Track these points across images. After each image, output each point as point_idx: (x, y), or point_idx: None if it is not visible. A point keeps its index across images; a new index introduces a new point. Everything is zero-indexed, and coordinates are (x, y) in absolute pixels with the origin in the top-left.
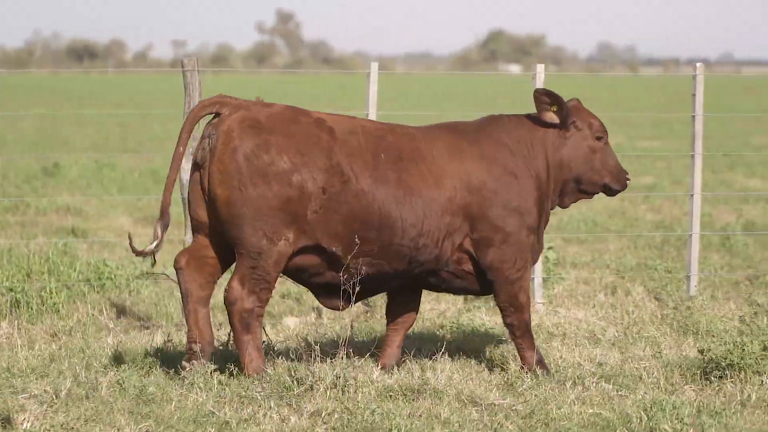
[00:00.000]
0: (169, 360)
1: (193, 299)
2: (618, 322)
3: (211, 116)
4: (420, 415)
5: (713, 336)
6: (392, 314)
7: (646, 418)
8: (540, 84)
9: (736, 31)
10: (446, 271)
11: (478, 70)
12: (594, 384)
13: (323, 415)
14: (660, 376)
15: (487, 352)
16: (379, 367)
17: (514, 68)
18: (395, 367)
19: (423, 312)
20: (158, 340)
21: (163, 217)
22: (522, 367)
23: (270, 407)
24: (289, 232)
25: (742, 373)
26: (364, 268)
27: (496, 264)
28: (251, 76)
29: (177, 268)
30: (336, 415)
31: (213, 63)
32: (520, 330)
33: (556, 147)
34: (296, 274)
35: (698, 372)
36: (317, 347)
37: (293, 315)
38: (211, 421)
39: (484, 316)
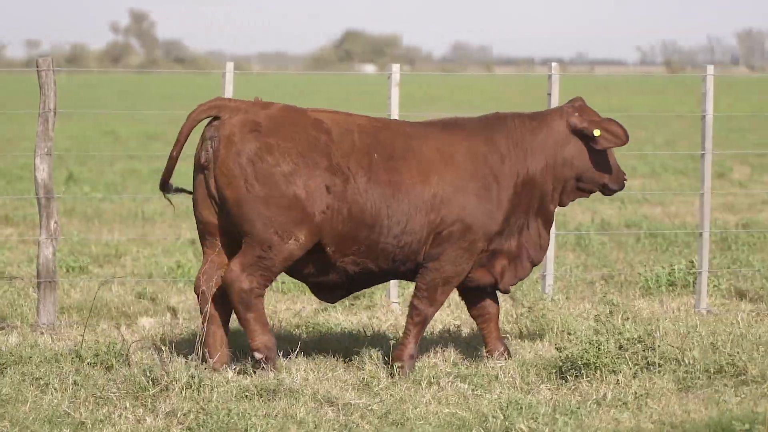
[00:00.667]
0: (23, 361)
1: (215, 323)
2: (471, 321)
3: (210, 118)
4: (276, 416)
5: (569, 335)
6: (475, 311)
7: (502, 418)
8: (395, 84)
9: (589, 31)
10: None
11: (333, 70)
12: (450, 384)
13: (179, 415)
14: (516, 376)
15: (343, 352)
16: (499, 354)
17: (369, 68)
18: (508, 355)
19: (279, 312)
20: (12, 341)
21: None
22: (392, 357)
23: (125, 408)
24: (300, 233)
25: (598, 372)
26: (350, 267)
27: (442, 257)
28: (106, 76)
29: (197, 293)
30: (192, 416)
31: (68, 63)
32: (418, 317)
33: (561, 146)
34: (289, 271)
35: (554, 371)
36: (172, 347)
37: (148, 315)
38: (67, 422)
39: (340, 315)
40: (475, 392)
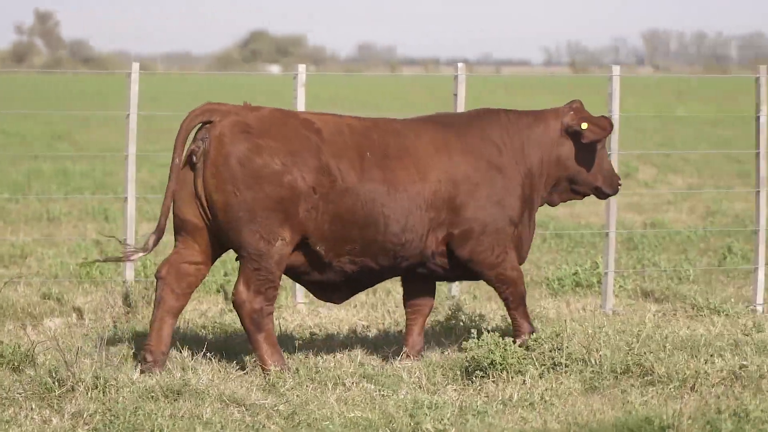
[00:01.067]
0: None
1: (165, 308)
2: (379, 322)
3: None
4: (182, 416)
5: (475, 336)
6: (408, 303)
7: (409, 418)
8: (301, 84)
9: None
10: (433, 263)
11: (238, 70)
12: (355, 384)
13: (85, 416)
14: (422, 376)
15: (249, 353)
16: (404, 355)
17: (275, 68)
18: (421, 355)
19: (185, 312)
20: None
21: (159, 227)
22: (514, 340)
23: (31, 409)
24: (285, 232)
25: (504, 372)
26: (348, 266)
27: (474, 255)
28: (10, 76)
29: (157, 277)
30: (98, 416)
31: None
32: (514, 303)
33: (555, 144)
34: (288, 272)
35: (460, 372)
36: (78, 348)
37: (54, 316)
38: None
39: None
40: (382, 393)
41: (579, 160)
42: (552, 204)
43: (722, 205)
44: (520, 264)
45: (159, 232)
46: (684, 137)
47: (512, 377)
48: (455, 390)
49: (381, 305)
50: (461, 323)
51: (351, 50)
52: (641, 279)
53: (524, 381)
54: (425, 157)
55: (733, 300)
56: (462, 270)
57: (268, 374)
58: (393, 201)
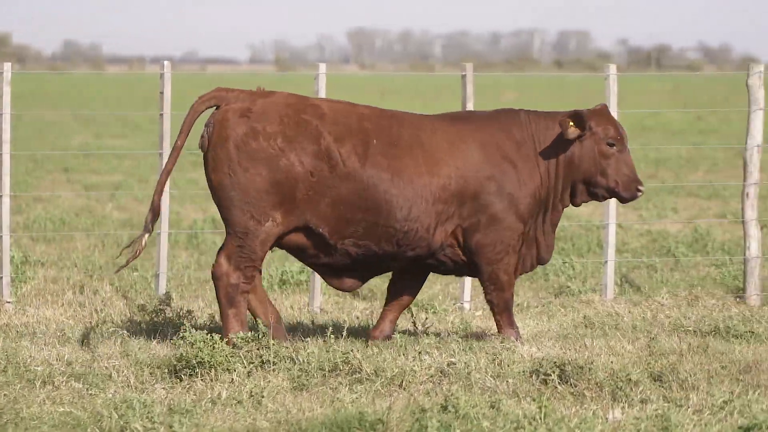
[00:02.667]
0: None
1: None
2: (87, 321)
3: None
4: None
5: (183, 334)
6: (392, 293)
7: (117, 417)
8: (7, 82)
9: (199, 29)
10: (443, 254)
11: None
12: (64, 383)
13: None
14: (130, 375)
15: None
16: (371, 338)
17: None
18: (386, 341)
19: None
20: None
21: (153, 206)
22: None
23: None
24: (277, 213)
25: (213, 371)
26: (352, 248)
27: (478, 247)
28: None
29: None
30: None
31: None
32: (498, 307)
33: (569, 146)
34: (298, 256)
35: (169, 370)
36: None
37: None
38: None
39: None
40: (90, 391)
41: (591, 163)
42: (575, 205)
43: None
44: (542, 264)
45: (154, 211)
46: None
47: (220, 375)
48: (164, 388)
49: (89, 303)
50: (168, 320)
51: (56, 48)
52: None
53: (232, 379)
54: (438, 150)
55: (441, 297)
56: (470, 265)
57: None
58: (396, 189)
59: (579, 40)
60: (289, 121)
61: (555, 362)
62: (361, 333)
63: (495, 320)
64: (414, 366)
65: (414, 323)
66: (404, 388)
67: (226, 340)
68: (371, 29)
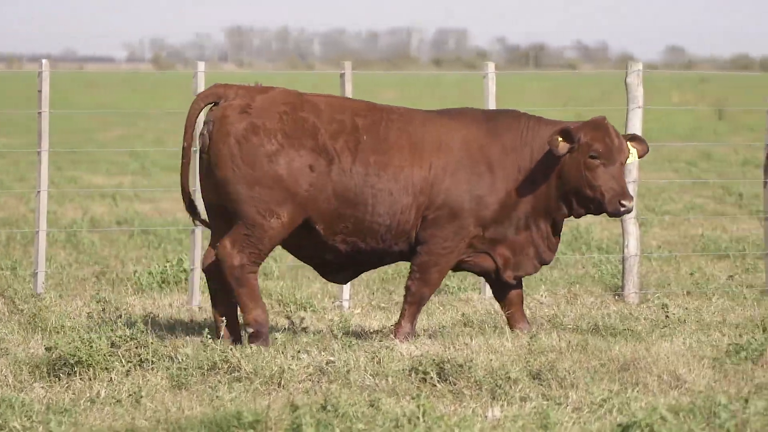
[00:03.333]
0: None
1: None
2: None
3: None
4: None
5: (61, 333)
6: (500, 296)
7: None
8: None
9: (77, 27)
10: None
11: None
12: None
13: None
14: (8, 374)
15: None
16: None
17: None
18: (528, 331)
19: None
20: None
21: (187, 204)
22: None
23: None
24: (282, 212)
25: (91, 369)
26: (341, 245)
27: (430, 237)
28: None
29: (205, 271)
30: None
31: None
32: (413, 297)
33: (560, 158)
34: (293, 251)
35: (47, 369)
36: None
37: None
38: None
39: None
40: None
41: (575, 175)
42: (576, 216)
43: None
44: (529, 274)
45: (191, 208)
46: None
47: (99, 374)
48: (42, 387)
49: None
50: (47, 321)
51: None
52: None
53: (111, 378)
54: (425, 145)
55: (319, 296)
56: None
57: (249, 327)
58: (381, 184)
59: (457, 39)
60: (287, 118)
61: (434, 360)
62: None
63: (402, 307)
64: (292, 365)
65: (291, 320)
66: (283, 387)
67: (246, 323)
68: (249, 27)
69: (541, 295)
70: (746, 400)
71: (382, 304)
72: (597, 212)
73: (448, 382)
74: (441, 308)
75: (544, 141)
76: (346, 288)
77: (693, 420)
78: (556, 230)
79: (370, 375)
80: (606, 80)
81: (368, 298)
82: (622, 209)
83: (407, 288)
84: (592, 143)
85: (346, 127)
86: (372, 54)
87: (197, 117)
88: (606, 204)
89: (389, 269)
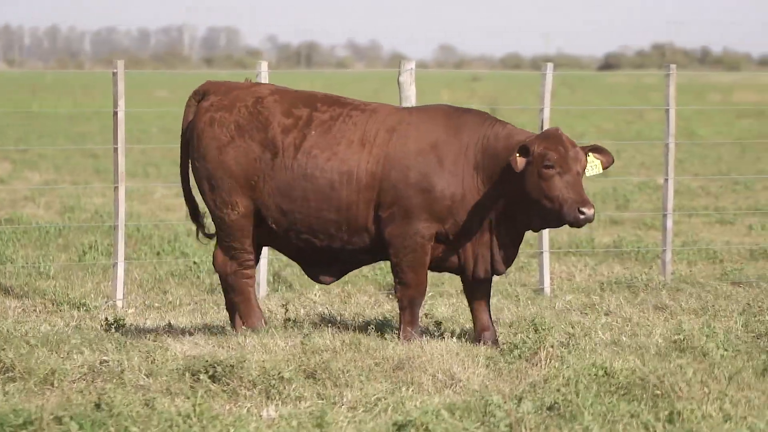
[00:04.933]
0: None
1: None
2: None
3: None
4: None
5: None
6: (467, 294)
7: None
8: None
9: None
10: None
11: None
12: None
13: None
14: None
15: None
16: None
17: None
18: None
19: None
20: None
21: (190, 208)
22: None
23: None
24: (237, 201)
25: None
26: (295, 241)
27: (394, 240)
28: None
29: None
30: None
31: None
32: (401, 303)
33: (518, 171)
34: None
35: None
36: None
37: None
38: None
39: None
40: None
41: (532, 187)
42: (533, 229)
43: (81, 201)
44: (497, 275)
45: (192, 208)
46: (41, 133)
47: None
48: None
49: None
50: None
51: None
52: (0, 275)
53: None
54: (377, 141)
55: (93, 295)
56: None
57: (244, 331)
58: (326, 180)
59: (228, 37)
60: (245, 111)
61: (208, 360)
62: (13, 332)
63: (399, 315)
64: (66, 364)
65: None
66: (57, 387)
67: (246, 326)
68: (19, 26)
69: (315, 294)
70: (520, 399)
71: (156, 304)
72: (558, 224)
73: (222, 381)
74: (215, 308)
75: (504, 151)
76: (120, 287)
77: (468, 419)
78: (515, 241)
79: (145, 375)
80: (378, 79)
81: (142, 297)
82: (582, 217)
83: (398, 299)
84: (546, 153)
85: (297, 122)
86: (144, 52)
87: (191, 113)
88: (565, 213)
89: (161, 270)
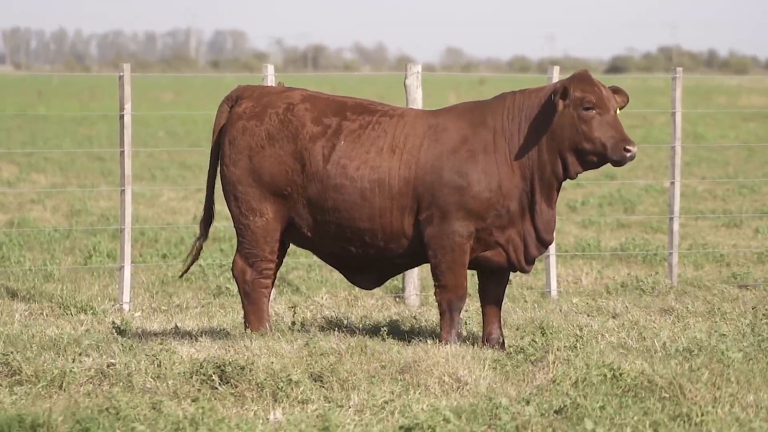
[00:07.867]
0: None
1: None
2: None
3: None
4: None
5: None
6: (481, 295)
7: None
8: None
9: None
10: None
11: None
12: None
13: None
14: None
15: None
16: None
17: None
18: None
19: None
20: None
21: (205, 214)
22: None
23: None
24: (266, 209)
25: None
26: (332, 248)
27: (432, 242)
28: None
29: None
30: None
31: None
32: (440, 307)
33: (550, 119)
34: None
35: None
36: None
37: None
38: None
39: None
40: None
41: (571, 130)
42: (570, 177)
43: (87, 204)
44: (546, 245)
45: (207, 217)
46: (47, 136)
47: None
48: None
49: None
50: None
51: None
52: (6, 278)
53: None
54: (406, 147)
55: (99, 299)
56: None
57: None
58: (357, 189)
59: (235, 40)
60: (276, 119)
61: (215, 363)
62: (20, 335)
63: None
64: (74, 367)
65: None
66: (65, 390)
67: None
68: (26, 29)
69: (322, 297)
70: (527, 402)
71: (163, 307)
72: (599, 165)
73: (229, 384)
74: (222, 311)
75: (532, 110)
76: (127, 290)
77: (475, 422)
78: (549, 202)
79: (152, 378)
80: (384, 82)
81: (149, 301)
82: (628, 155)
83: (437, 302)
84: (584, 95)
85: (326, 132)
86: (150, 56)
87: (223, 119)
88: (609, 153)
89: (168, 272)
